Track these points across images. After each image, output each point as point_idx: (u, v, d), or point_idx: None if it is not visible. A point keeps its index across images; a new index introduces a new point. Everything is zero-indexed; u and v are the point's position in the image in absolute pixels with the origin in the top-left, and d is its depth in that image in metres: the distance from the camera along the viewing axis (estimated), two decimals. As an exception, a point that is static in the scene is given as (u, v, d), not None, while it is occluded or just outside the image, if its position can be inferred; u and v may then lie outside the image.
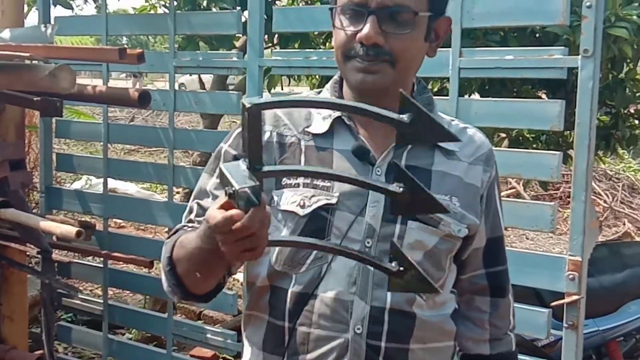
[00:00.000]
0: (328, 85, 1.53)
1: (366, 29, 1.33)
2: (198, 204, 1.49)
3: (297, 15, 3.31)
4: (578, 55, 2.46)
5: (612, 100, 4.36)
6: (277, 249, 1.41)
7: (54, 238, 3.47)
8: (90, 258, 4.63)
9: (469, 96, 4.11)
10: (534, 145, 4.56)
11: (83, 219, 3.75)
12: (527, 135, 4.64)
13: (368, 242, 1.37)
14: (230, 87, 5.50)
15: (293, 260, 1.40)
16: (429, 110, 1.38)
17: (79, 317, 4.57)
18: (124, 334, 4.55)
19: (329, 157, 1.42)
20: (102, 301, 3.81)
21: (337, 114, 1.44)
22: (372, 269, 1.35)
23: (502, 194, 6.28)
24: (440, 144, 1.44)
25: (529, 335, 2.98)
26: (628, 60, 4.16)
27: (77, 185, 7.29)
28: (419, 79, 1.53)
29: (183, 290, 1.37)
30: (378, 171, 1.40)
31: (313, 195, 1.38)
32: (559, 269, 2.52)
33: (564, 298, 2.51)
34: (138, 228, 6.92)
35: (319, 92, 1.55)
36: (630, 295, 3.48)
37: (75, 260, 4.03)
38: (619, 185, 8.83)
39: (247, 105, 1.03)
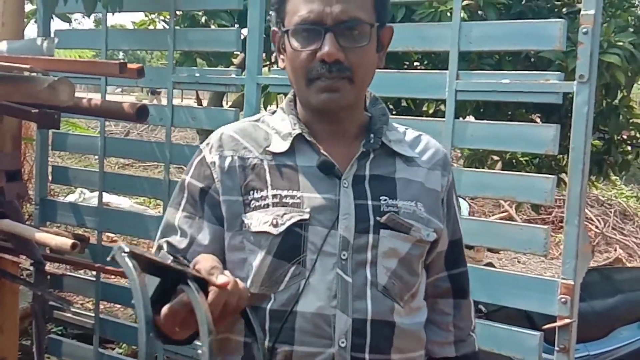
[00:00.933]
0: (283, 105, 1.53)
1: (327, 46, 1.34)
2: (167, 242, 1.47)
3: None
4: (572, 80, 2.49)
5: (606, 126, 4.41)
6: (252, 272, 1.40)
7: (47, 250, 3.47)
8: (82, 271, 4.62)
9: (464, 119, 4.14)
10: (527, 169, 4.59)
11: (77, 232, 3.75)
12: (521, 159, 4.67)
13: (344, 255, 1.37)
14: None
15: (271, 280, 1.38)
16: (383, 122, 1.47)
17: (70, 331, 4.54)
18: (114, 349, 4.52)
19: (294, 174, 1.42)
20: (93, 315, 3.80)
21: (298, 131, 1.44)
22: (351, 280, 1.36)
23: (495, 217, 6.34)
24: (401, 151, 1.48)
25: (520, 358, 2.98)
26: (622, 87, 4.21)
27: (70, 198, 7.29)
28: (369, 91, 1.55)
29: (164, 339, 1.33)
30: (345, 183, 1.41)
31: (285, 213, 1.38)
32: (551, 292, 2.53)
33: (555, 321, 2.52)
34: (130, 242, 6.91)
35: (274, 113, 1.54)
36: (621, 320, 3.49)
37: (68, 273, 4.03)
38: (610, 211, 8.86)
39: (120, 252, 1.09)
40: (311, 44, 1.37)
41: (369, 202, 1.41)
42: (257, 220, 1.39)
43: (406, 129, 1.57)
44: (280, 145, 1.44)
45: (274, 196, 1.40)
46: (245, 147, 1.46)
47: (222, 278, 1.19)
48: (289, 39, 1.39)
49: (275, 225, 1.37)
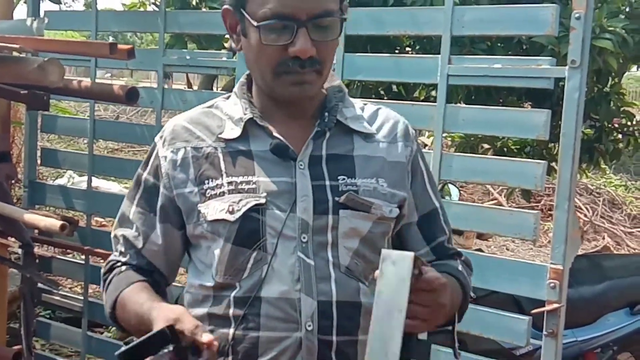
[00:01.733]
0: (236, 89, 1.50)
1: (301, 43, 1.31)
2: (123, 237, 1.51)
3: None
4: (564, 65, 2.49)
5: (597, 113, 4.40)
6: (215, 261, 1.40)
7: (36, 232, 3.46)
8: (71, 255, 4.60)
9: (455, 103, 4.14)
10: (518, 156, 4.59)
11: (66, 215, 3.73)
12: (512, 147, 4.67)
13: (304, 237, 1.36)
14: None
15: (234, 268, 1.38)
16: (339, 99, 1.47)
17: (58, 314, 4.53)
18: (102, 332, 4.52)
19: (249, 160, 1.41)
20: (82, 298, 3.79)
21: (249, 116, 1.43)
22: (313, 263, 1.36)
23: (485, 203, 6.35)
24: (358, 128, 1.46)
25: (509, 343, 3.00)
26: (613, 74, 4.20)
27: (60, 182, 7.25)
28: None
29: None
30: (301, 165, 1.40)
31: (241, 199, 1.37)
32: (540, 277, 2.54)
33: (544, 306, 2.53)
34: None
35: (228, 97, 1.52)
36: (608, 307, 3.51)
37: (56, 256, 4.02)
38: (599, 200, 8.90)
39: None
40: (283, 39, 1.33)
41: (327, 183, 1.40)
42: (214, 209, 1.38)
43: (365, 104, 1.55)
44: (232, 132, 1.43)
45: (229, 183, 1.39)
46: (198, 136, 1.45)
47: (206, 337, 1.20)
48: (259, 32, 1.34)
49: (232, 212, 1.37)
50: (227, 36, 3.98)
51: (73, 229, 3.29)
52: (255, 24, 1.33)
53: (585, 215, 8.38)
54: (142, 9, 4.38)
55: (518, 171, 2.64)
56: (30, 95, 2.97)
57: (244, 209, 1.36)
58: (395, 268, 1.11)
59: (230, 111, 1.47)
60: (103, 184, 7.29)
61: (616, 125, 4.66)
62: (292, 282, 1.35)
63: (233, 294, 1.38)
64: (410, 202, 1.50)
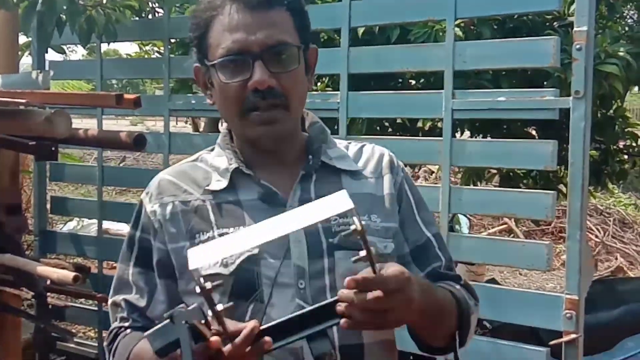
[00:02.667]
0: (219, 141, 1.49)
1: (258, 74, 1.31)
2: (125, 300, 1.45)
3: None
4: (569, 93, 2.51)
5: (602, 136, 4.40)
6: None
7: (48, 281, 3.46)
8: (84, 300, 4.60)
9: (461, 134, 4.15)
10: (525, 181, 4.58)
11: (77, 262, 3.74)
12: (518, 172, 4.67)
13: (301, 284, 1.34)
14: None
15: (233, 319, 1.32)
16: (322, 140, 1.46)
17: (73, 361, 4.52)
18: (117, 378, 4.50)
19: (238, 210, 1.38)
20: (96, 344, 3.78)
21: (234, 165, 1.41)
22: (312, 301, 1.31)
23: (495, 229, 6.28)
24: (344, 167, 1.45)
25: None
26: (617, 97, 4.22)
27: (69, 225, 7.26)
28: (306, 110, 1.52)
29: None
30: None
31: None
32: (556, 307, 2.53)
33: (561, 336, 2.52)
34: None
35: (212, 149, 1.50)
36: (627, 331, 3.48)
37: (70, 304, 4.01)
38: (610, 220, 8.85)
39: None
40: (240, 75, 1.33)
41: (319, 225, 1.35)
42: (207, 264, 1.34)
43: (348, 143, 1.54)
44: (219, 183, 1.41)
45: (221, 235, 1.35)
46: (185, 190, 1.43)
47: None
48: (217, 73, 1.35)
49: (226, 265, 1.34)
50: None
51: (85, 277, 3.30)
52: (214, 63, 1.35)
53: (597, 236, 8.33)
54: (146, 56, 4.43)
55: (528, 202, 2.65)
56: (38, 146, 2.99)
57: (238, 261, 1.33)
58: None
59: (216, 163, 1.45)
60: (113, 225, 7.30)
61: (621, 147, 4.66)
62: None
63: None
64: (399, 233, 1.47)
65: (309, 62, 1.43)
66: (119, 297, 1.46)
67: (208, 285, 1.09)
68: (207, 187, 1.41)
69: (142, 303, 1.43)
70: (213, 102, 1.44)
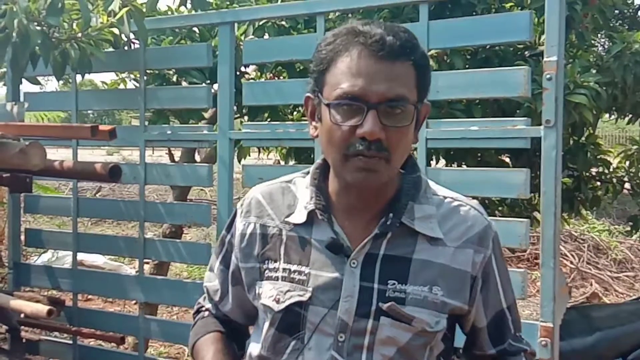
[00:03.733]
0: (311, 171, 1.51)
1: (369, 124, 1.30)
2: (206, 288, 1.67)
3: (263, 89, 3.36)
4: (540, 122, 2.55)
5: (574, 163, 4.46)
6: (262, 336, 1.48)
7: (22, 315, 3.42)
8: (59, 334, 4.54)
9: (437, 162, 4.18)
10: (500, 208, 4.62)
11: (52, 295, 3.71)
12: (493, 199, 4.71)
13: (341, 337, 1.38)
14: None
15: (275, 349, 1.45)
16: (410, 197, 1.44)
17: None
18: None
19: (308, 248, 1.43)
20: (71, 379, 3.73)
21: (312, 207, 1.44)
22: (347, 356, 1.37)
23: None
24: (423, 230, 1.41)
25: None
26: (588, 125, 4.28)
27: (44, 257, 7.18)
28: (410, 155, 1.50)
29: None
30: (353, 263, 1.39)
31: (288, 290, 1.42)
32: (531, 335, 2.53)
33: (537, 364, 2.53)
34: (106, 300, 6.82)
35: (306, 174, 1.53)
36: (601, 357, 3.51)
37: (44, 337, 3.97)
38: (584, 246, 8.92)
39: None
40: (352, 119, 1.32)
41: (375, 286, 1.38)
42: (265, 292, 1.46)
43: (445, 197, 1.49)
44: (299, 217, 1.46)
45: (284, 269, 1.44)
46: (268, 214, 1.51)
47: None
48: (330, 111, 1.34)
49: (277, 302, 1.43)
50: (209, 109, 4.04)
51: (60, 310, 3.28)
52: (326, 102, 1.35)
53: (572, 262, 8.39)
54: (122, 86, 4.43)
55: (501, 230, 2.57)
56: (12, 178, 2.99)
57: (287, 302, 1.41)
58: None
59: (301, 194, 1.49)
60: (88, 257, 7.23)
61: (594, 174, 4.72)
62: None
63: None
64: (480, 310, 1.48)
65: (421, 116, 1.41)
66: (206, 281, 1.68)
67: None
68: (286, 218, 1.48)
69: (216, 297, 1.64)
70: (316, 136, 1.44)
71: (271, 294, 1.44)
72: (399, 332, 1.38)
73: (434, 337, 1.42)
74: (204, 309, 1.70)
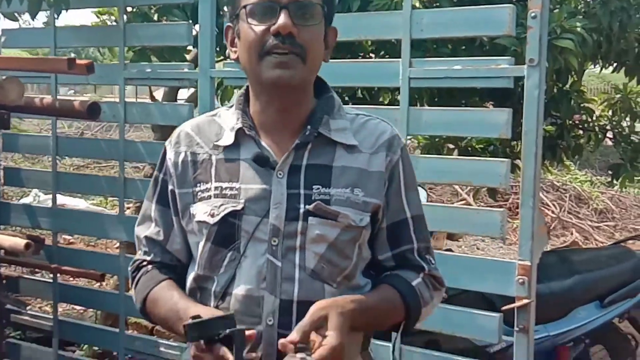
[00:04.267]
0: (234, 99, 1.63)
1: (282, 19, 1.44)
2: (146, 237, 1.67)
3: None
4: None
5: (558, 111, 4.45)
6: (199, 256, 1.56)
7: (2, 252, 3.41)
8: (39, 274, 4.55)
9: (419, 106, 4.16)
10: (483, 155, 4.62)
11: (32, 234, 3.69)
12: (476, 146, 4.71)
13: (274, 241, 1.49)
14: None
15: (212, 264, 1.54)
16: (326, 111, 1.57)
17: (29, 334, 4.46)
18: (74, 351, 4.46)
19: (236, 167, 1.54)
20: (52, 317, 3.74)
21: (239, 125, 1.55)
22: (280, 264, 1.48)
23: (454, 205, 6.34)
24: (340, 139, 1.55)
25: (481, 341, 3.02)
26: (573, 73, 4.26)
27: (25, 201, 7.16)
28: (322, 79, 1.62)
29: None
30: (280, 174, 1.51)
31: (222, 204, 1.52)
32: (509, 273, 2.57)
33: (514, 302, 2.56)
34: (88, 244, 6.81)
35: (231, 107, 1.63)
36: (578, 301, 3.54)
37: (24, 276, 3.97)
38: (566, 196, 9.00)
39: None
40: (267, 20, 1.46)
41: (301, 191, 1.51)
42: (200, 210, 1.54)
43: (357, 114, 1.63)
44: (226, 139, 1.57)
45: (216, 188, 1.54)
46: (197, 142, 1.60)
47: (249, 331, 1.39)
48: (246, 18, 1.48)
49: (212, 216, 1.52)
50: (189, 48, 3.98)
51: (39, 248, 3.27)
52: (245, 5, 1.48)
53: (553, 212, 8.47)
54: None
55: (482, 170, 2.67)
56: (-11, 114, 2.94)
57: (222, 214, 1.51)
58: None
59: (228, 120, 1.60)
60: (70, 201, 7.22)
61: (577, 122, 4.71)
62: (258, 281, 1.49)
63: (213, 287, 1.53)
64: (384, 208, 1.58)
65: (328, 38, 1.56)
66: (142, 231, 1.68)
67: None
68: (216, 143, 1.58)
69: (160, 237, 1.65)
70: (236, 58, 1.56)
71: (205, 210, 1.53)
72: (326, 228, 1.50)
73: (360, 233, 1.54)
74: (144, 263, 1.68)
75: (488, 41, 3.67)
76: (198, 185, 1.56)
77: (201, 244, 1.55)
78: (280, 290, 1.48)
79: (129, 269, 1.71)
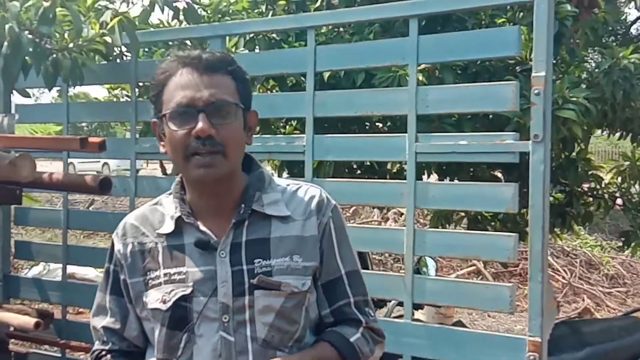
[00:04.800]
0: (172, 188, 1.71)
1: (200, 124, 1.53)
2: (103, 327, 1.72)
3: (254, 102, 3.35)
4: (529, 137, 2.55)
5: (566, 178, 4.47)
6: (155, 340, 1.63)
7: (11, 328, 3.40)
8: (48, 347, 4.52)
9: (428, 176, 4.19)
10: (492, 223, 4.62)
11: (41, 308, 3.69)
12: (486, 215, 4.71)
13: (225, 318, 1.58)
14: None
15: (169, 347, 1.61)
16: (257, 188, 1.66)
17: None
18: None
19: (181, 253, 1.63)
20: (59, 392, 3.71)
21: (178, 214, 1.65)
22: (233, 339, 1.57)
23: (463, 271, 6.29)
24: (274, 212, 1.65)
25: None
26: (579, 141, 4.29)
27: (35, 270, 7.16)
28: (250, 156, 1.72)
29: None
30: (222, 254, 1.60)
31: (172, 290, 1.60)
32: (519, 349, 2.54)
33: (525, 379, 2.53)
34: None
35: (170, 194, 1.72)
36: (591, 373, 3.50)
37: (32, 351, 3.95)
38: (576, 261, 8.94)
39: None
40: (187, 124, 1.55)
41: (244, 267, 1.59)
42: (152, 298, 1.63)
43: (287, 185, 1.74)
44: (168, 227, 1.66)
45: (165, 274, 1.62)
46: (143, 232, 1.69)
47: None
48: (168, 123, 1.57)
49: (164, 302, 1.60)
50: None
51: (48, 323, 3.26)
52: (164, 113, 1.58)
53: (564, 278, 8.40)
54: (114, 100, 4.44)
55: (490, 245, 2.68)
56: (2, 190, 2.98)
57: (173, 299, 1.59)
58: None
59: (168, 208, 1.69)
60: (80, 270, 7.21)
61: (586, 189, 4.72)
62: (214, 358, 1.57)
63: None
64: (319, 268, 1.68)
65: (249, 121, 1.66)
66: (98, 322, 1.73)
67: None
68: (158, 231, 1.67)
69: (117, 325, 1.71)
70: (165, 152, 1.64)
71: (157, 297, 1.61)
72: (272, 299, 1.59)
73: (305, 297, 1.64)
74: (103, 353, 1.73)
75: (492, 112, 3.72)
76: (148, 273, 1.65)
77: (157, 329, 1.62)
78: None
79: (90, 357, 1.76)
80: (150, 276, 1.64)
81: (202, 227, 1.63)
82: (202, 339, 1.58)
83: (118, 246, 1.70)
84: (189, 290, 1.59)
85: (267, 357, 1.58)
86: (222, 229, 1.62)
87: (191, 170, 1.57)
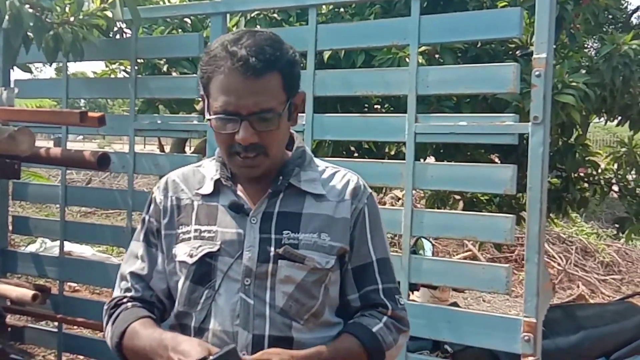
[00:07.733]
0: (216, 152, 1.75)
1: (242, 133, 1.57)
2: (131, 273, 1.76)
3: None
4: (528, 121, 2.56)
5: (563, 164, 4.48)
6: (179, 293, 1.68)
7: (8, 302, 3.42)
8: (44, 322, 4.54)
9: (425, 159, 4.20)
10: (488, 207, 4.63)
11: (38, 283, 3.70)
12: (481, 198, 4.73)
13: (247, 281, 1.63)
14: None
15: (190, 301, 1.66)
16: (297, 164, 1.72)
17: (32, 384, 4.44)
18: (76, 401, 4.43)
19: (214, 212, 1.69)
20: (55, 367, 3.73)
21: (217, 176, 1.71)
22: (252, 302, 1.62)
23: (459, 256, 6.32)
24: (309, 189, 1.70)
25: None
26: (577, 126, 4.30)
27: (32, 247, 7.17)
28: (294, 134, 1.76)
29: None
30: (253, 220, 1.66)
31: (200, 246, 1.66)
32: (514, 330, 2.56)
33: (520, 359, 2.55)
34: (93, 292, 6.81)
35: (213, 159, 1.78)
36: (584, 356, 3.51)
37: (29, 325, 3.97)
38: (572, 249, 8.96)
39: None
40: (230, 128, 1.58)
41: (272, 236, 1.64)
42: (181, 251, 1.68)
43: (327, 167, 1.79)
44: (207, 188, 1.72)
45: (196, 230, 1.69)
46: (182, 189, 1.76)
47: None
48: (212, 120, 1.60)
49: (191, 256, 1.66)
50: (198, 99, 4.04)
51: (46, 297, 3.27)
52: (209, 116, 1.62)
53: (559, 264, 8.42)
54: (112, 76, 4.42)
55: (487, 226, 2.68)
56: (0, 163, 2.98)
57: (200, 254, 1.65)
58: None
59: (209, 171, 1.76)
60: (76, 248, 7.23)
61: (582, 175, 4.73)
62: (232, 318, 1.62)
63: (192, 324, 1.66)
64: (350, 252, 1.71)
65: (296, 105, 1.68)
66: (127, 268, 1.77)
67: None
68: (197, 190, 1.74)
69: (145, 272, 1.75)
70: (211, 126, 1.66)
71: (185, 251, 1.67)
72: (294, 271, 1.63)
73: (326, 275, 1.67)
74: (124, 300, 1.75)
75: (491, 95, 3.73)
76: (180, 227, 1.71)
77: (181, 282, 1.68)
78: (253, 326, 1.61)
79: (105, 307, 1.77)
80: (182, 230, 1.70)
81: (239, 192, 1.70)
82: (222, 298, 1.63)
83: (159, 198, 1.77)
84: (215, 248, 1.65)
85: (282, 324, 1.62)
86: (257, 196, 1.68)
87: (234, 166, 1.65)
